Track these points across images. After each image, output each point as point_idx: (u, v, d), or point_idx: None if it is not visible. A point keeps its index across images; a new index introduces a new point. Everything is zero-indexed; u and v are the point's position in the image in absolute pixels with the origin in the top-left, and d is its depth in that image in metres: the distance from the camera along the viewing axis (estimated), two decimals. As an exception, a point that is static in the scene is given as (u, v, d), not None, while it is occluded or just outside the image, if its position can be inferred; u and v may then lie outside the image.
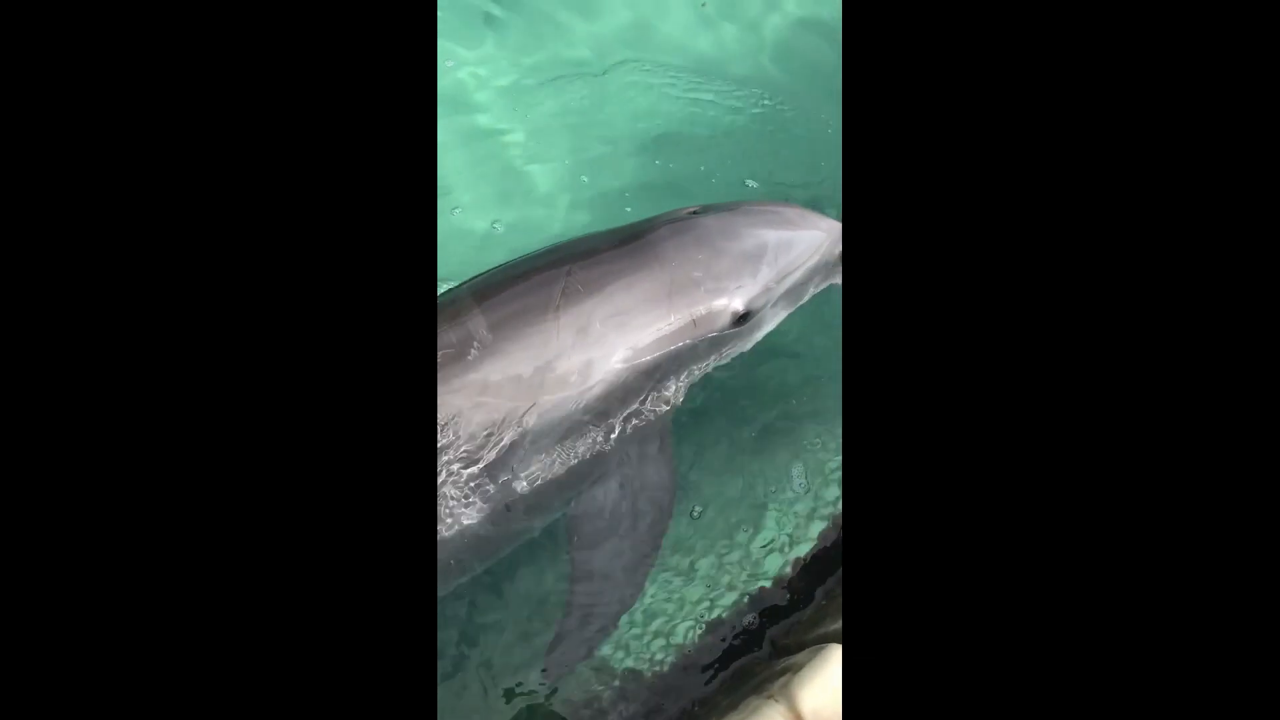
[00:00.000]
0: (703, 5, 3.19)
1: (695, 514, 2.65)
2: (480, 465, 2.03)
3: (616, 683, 2.51)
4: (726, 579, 2.61)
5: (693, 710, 2.32)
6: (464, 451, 2.01)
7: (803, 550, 2.58)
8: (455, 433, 2.00)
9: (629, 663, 2.54)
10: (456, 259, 2.82)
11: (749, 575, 2.60)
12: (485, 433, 2.03)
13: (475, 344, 2.03)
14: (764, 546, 2.64)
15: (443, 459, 2.00)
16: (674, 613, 2.59)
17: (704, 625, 2.52)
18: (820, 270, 2.30)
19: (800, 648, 2.16)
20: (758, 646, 2.42)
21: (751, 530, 2.65)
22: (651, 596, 2.61)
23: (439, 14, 3.02)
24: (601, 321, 2.08)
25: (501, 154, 3.35)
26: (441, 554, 2.07)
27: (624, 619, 2.44)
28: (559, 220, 3.22)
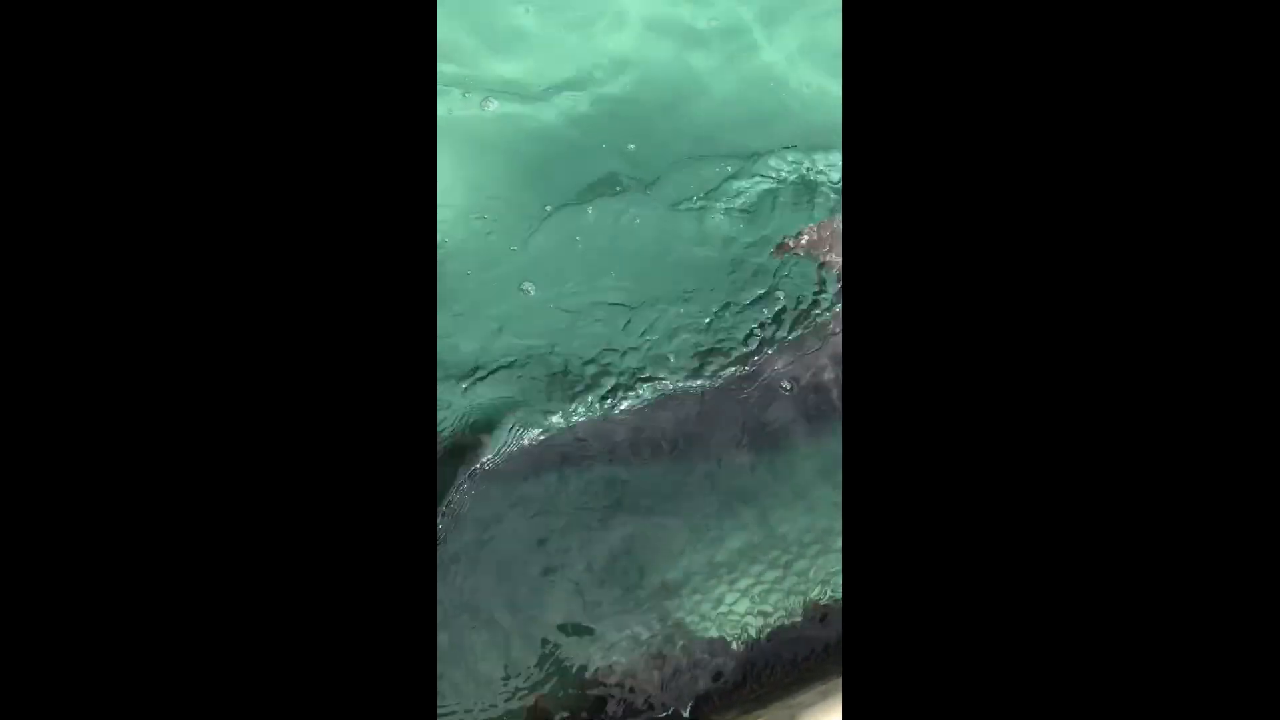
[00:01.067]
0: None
1: None
2: None
3: (699, 653, 2.56)
4: (821, 574, 2.66)
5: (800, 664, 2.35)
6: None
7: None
8: None
9: (713, 632, 2.59)
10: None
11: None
12: None
13: None
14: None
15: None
16: (764, 599, 2.64)
17: (801, 611, 2.58)
18: None
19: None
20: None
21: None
22: (740, 586, 2.70)
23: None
24: None
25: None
26: None
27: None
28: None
